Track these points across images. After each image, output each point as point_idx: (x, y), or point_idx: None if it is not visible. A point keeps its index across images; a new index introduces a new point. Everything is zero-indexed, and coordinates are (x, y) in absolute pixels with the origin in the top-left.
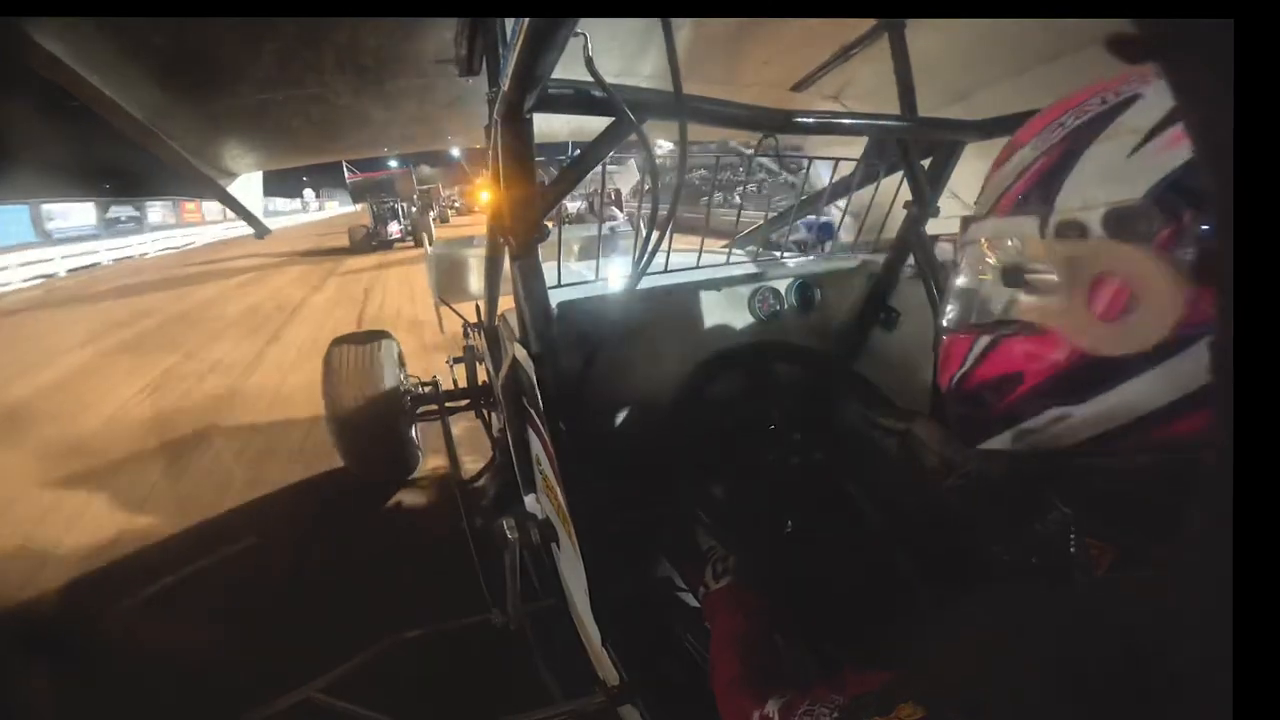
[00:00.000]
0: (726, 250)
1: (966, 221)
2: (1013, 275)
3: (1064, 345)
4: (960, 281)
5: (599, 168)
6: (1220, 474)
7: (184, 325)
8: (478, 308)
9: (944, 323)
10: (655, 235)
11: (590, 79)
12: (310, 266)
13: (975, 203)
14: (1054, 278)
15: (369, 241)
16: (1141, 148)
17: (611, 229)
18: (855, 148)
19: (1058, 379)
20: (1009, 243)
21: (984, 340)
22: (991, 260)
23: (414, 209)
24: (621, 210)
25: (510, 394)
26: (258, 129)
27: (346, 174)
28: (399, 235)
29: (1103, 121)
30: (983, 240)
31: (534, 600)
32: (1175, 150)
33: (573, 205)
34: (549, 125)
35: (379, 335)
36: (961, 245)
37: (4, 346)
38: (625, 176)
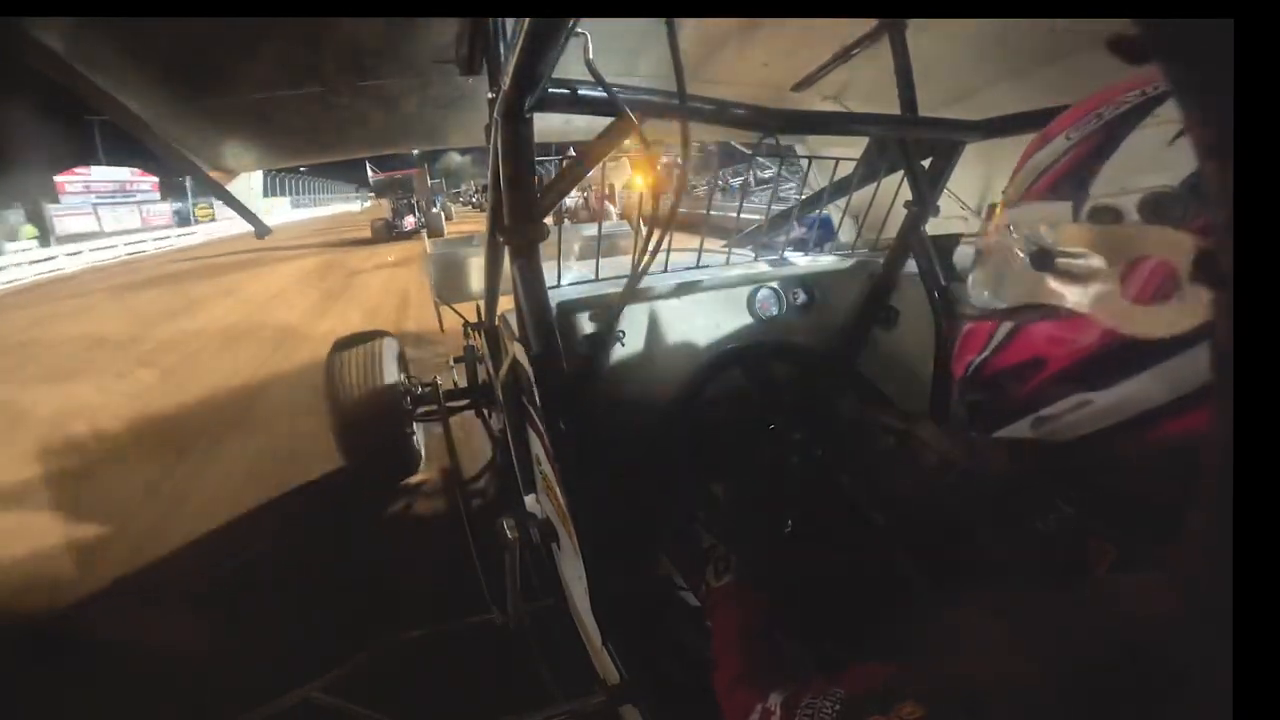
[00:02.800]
0: (726, 250)
1: (994, 208)
2: (1042, 259)
3: (1091, 329)
4: (983, 268)
5: (599, 167)
6: (1220, 474)
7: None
8: (478, 308)
9: (964, 310)
10: (655, 235)
11: (590, 79)
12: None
13: (1003, 191)
14: (1086, 261)
15: (388, 233)
16: (1181, 137)
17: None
18: (855, 148)
19: (1083, 364)
20: (1039, 228)
21: (1007, 325)
22: (1019, 246)
23: (425, 203)
24: (616, 206)
25: (510, 394)
26: (258, 128)
27: (370, 173)
28: (413, 227)
29: (1141, 112)
30: (1011, 226)
31: (534, 600)
32: None
33: (569, 200)
34: (549, 125)
35: (380, 335)
36: (987, 232)
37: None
38: (619, 173)
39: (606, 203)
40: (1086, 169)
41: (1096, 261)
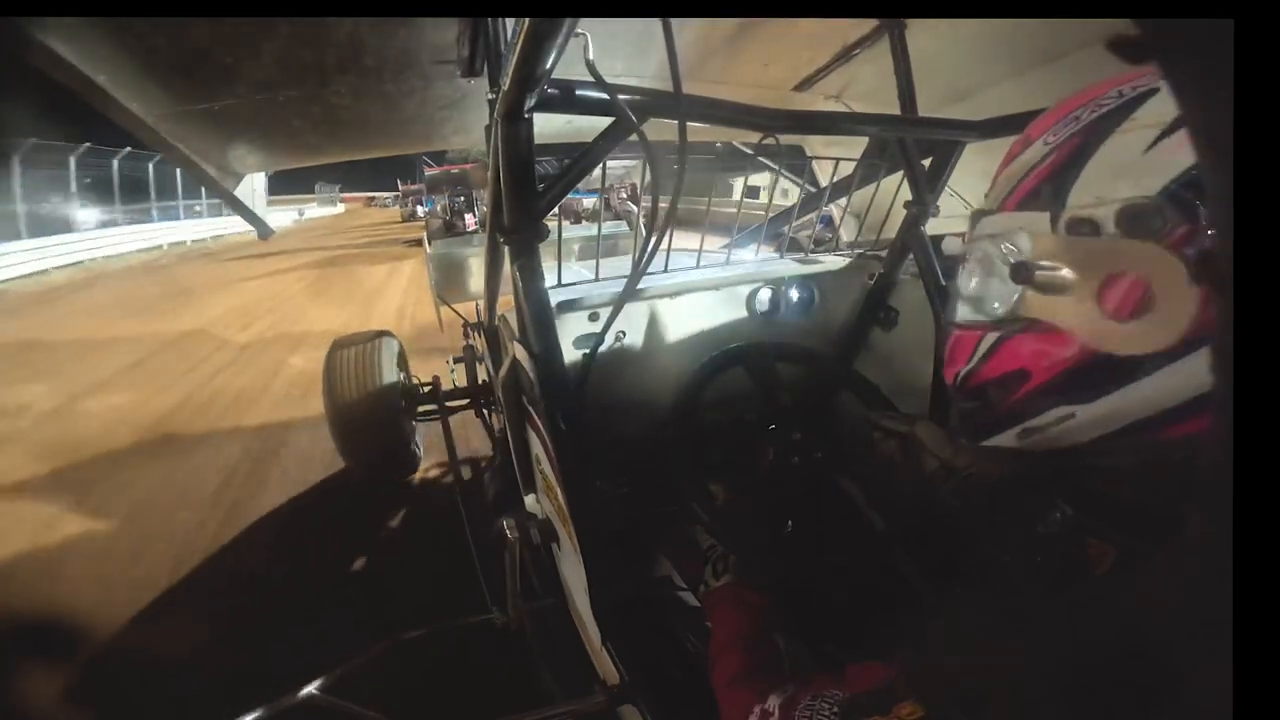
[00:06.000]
0: (726, 250)
1: (976, 216)
2: (1021, 272)
3: (1073, 344)
4: (967, 276)
5: (599, 168)
6: (1220, 474)
7: None
8: (477, 307)
9: (950, 318)
10: (655, 235)
11: (590, 79)
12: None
13: (984, 197)
14: (1064, 275)
15: (446, 233)
16: (1158, 143)
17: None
18: (856, 147)
19: (1065, 378)
20: (1019, 238)
21: (991, 337)
22: (999, 256)
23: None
24: (638, 205)
25: (510, 394)
26: (259, 129)
27: (425, 168)
28: (473, 227)
29: (1119, 115)
30: (991, 235)
31: (534, 599)
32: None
33: (588, 201)
34: (549, 125)
35: (380, 335)
36: (969, 240)
37: None
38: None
39: (629, 201)
40: (1063, 176)
41: (1075, 276)
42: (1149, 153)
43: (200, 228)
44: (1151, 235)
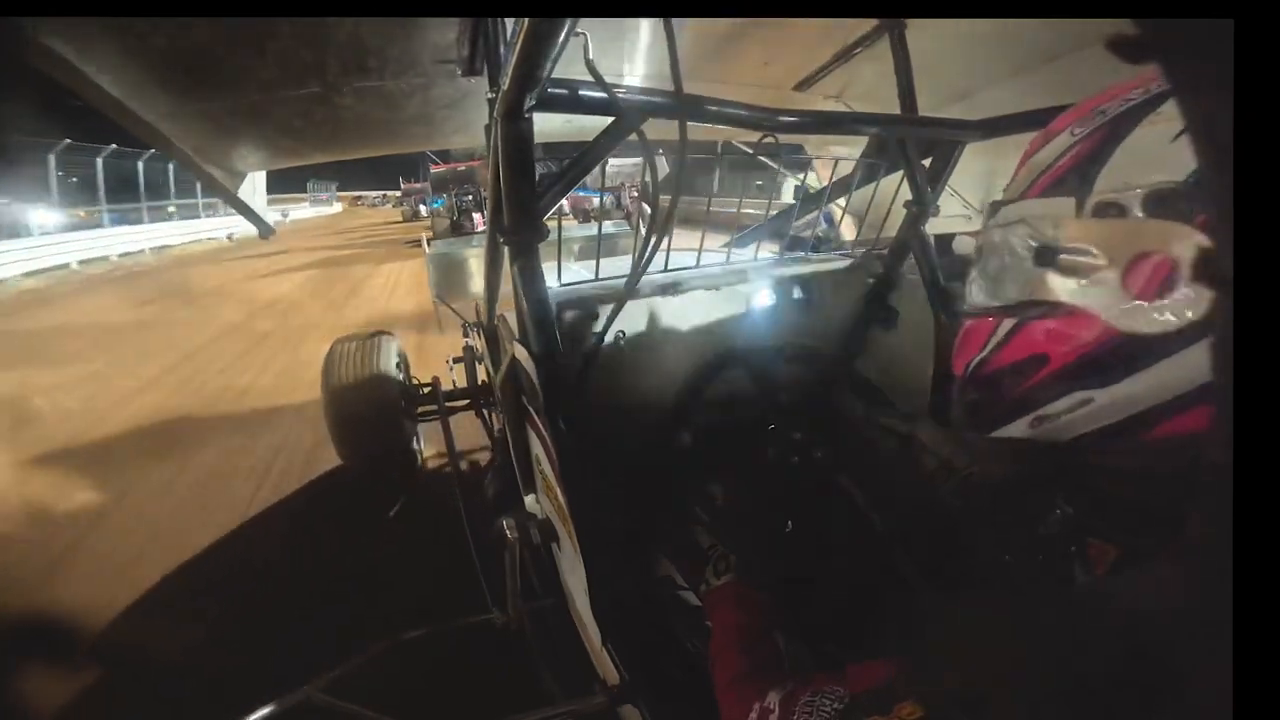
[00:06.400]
0: (726, 250)
1: (995, 206)
2: (1045, 254)
3: (1094, 325)
4: (985, 265)
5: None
6: (1220, 475)
7: None
8: (477, 308)
9: (962, 309)
10: (655, 234)
11: (590, 79)
12: None
13: (1002, 191)
14: (1089, 256)
15: (453, 233)
16: (1184, 133)
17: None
18: (855, 147)
19: (1084, 361)
20: (1042, 223)
21: (1007, 323)
22: (1021, 242)
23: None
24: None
25: (510, 394)
26: (260, 129)
27: (430, 166)
28: (482, 227)
29: (1145, 109)
30: (1012, 223)
31: (534, 599)
32: None
33: (598, 199)
34: (549, 125)
35: (380, 334)
36: (988, 228)
37: None
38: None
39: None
40: (1090, 165)
41: (1100, 257)
42: (1175, 142)
43: (138, 236)
44: (1178, 218)
